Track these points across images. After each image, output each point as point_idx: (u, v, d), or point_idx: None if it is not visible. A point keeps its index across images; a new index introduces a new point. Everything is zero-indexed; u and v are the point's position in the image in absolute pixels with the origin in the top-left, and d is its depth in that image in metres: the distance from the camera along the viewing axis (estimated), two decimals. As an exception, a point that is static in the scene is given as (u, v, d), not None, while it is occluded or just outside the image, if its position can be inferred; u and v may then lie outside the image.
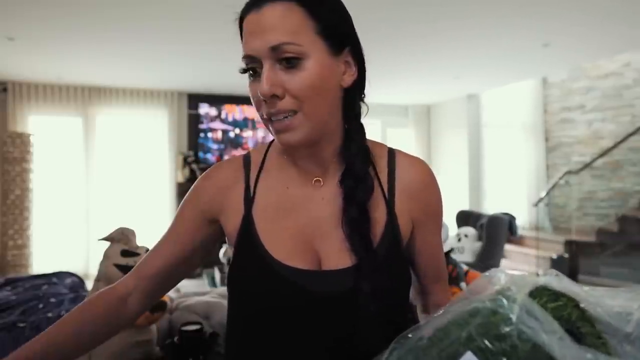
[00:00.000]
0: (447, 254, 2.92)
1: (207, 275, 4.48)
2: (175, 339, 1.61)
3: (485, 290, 0.53)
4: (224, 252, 3.88)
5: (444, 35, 4.11)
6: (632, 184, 5.83)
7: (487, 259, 4.38)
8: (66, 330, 0.74)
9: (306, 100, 0.66)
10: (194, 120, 6.37)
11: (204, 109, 6.33)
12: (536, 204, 6.06)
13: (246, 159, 0.81)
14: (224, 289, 2.35)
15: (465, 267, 2.69)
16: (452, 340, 0.50)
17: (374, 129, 7.36)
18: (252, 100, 0.70)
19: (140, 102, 6.14)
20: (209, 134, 6.36)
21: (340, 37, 0.70)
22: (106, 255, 1.99)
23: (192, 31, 3.87)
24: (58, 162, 5.83)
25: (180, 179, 6.14)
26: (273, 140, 0.82)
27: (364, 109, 0.78)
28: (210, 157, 6.34)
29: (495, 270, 0.53)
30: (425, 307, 0.86)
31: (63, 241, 5.80)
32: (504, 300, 0.48)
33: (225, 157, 6.30)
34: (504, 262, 5.55)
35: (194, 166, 6.20)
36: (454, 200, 6.85)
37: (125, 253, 1.97)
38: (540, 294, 0.51)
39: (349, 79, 0.72)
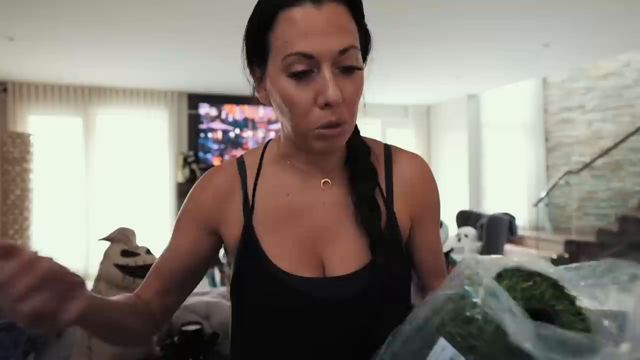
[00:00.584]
0: (447, 254, 2.93)
1: (207, 275, 4.48)
2: (175, 339, 1.61)
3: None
4: (224, 253, 3.87)
5: (444, 35, 4.11)
6: (632, 184, 5.83)
7: (487, 259, 4.37)
8: (119, 309, 0.70)
9: (353, 109, 0.65)
10: (194, 120, 6.37)
11: (204, 109, 6.33)
12: (536, 204, 6.06)
13: (241, 164, 0.77)
14: (224, 289, 2.35)
15: (465, 267, 2.70)
16: (429, 328, 0.50)
17: (374, 129, 7.36)
18: (290, 105, 0.63)
19: (140, 102, 6.14)
20: (209, 134, 6.36)
21: (366, 45, 0.71)
22: (106, 255, 1.99)
23: (192, 31, 3.87)
24: (58, 162, 5.83)
25: (180, 179, 6.14)
26: (267, 143, 0.80)
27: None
28: (210, 157, 6.34)
29: (469, 256, 0.53)
30: None
31: (63, 241, 5.79)
32: (471, 285, 0.49)
33: (226, 157, 6.31)
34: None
35: (194, 166, 6.20)
36: (454, 200, 6.85)
37: (125, 253, 1.97)
38: (510, 275, 0.51)
39: None
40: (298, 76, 0.62)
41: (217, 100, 6.36)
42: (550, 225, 6.49)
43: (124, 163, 6.11)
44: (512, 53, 4.65)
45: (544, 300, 0.48)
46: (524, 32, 4.02)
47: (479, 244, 4.51)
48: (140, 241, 2.08)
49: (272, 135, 6.32)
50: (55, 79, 5.53)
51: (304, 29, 0.61)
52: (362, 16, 0.69)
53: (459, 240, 4.58)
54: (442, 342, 0.48)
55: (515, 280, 0.50)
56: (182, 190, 5.91)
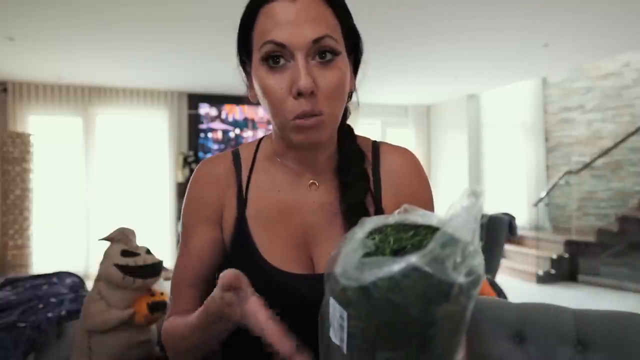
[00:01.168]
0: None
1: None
2: (175, 339, 1.60)
3: None
4: None
5: (444, 35, 4.11)
6: (632, 184, 5.83)
7: (487, 259, 4.35)
8: None
9: (333, 100, 0.64)
10: (194, 120, 6.37)
11: (204, 109, 6.33)
12: (536, 204, 6.06)
13: (236, 157, 0.78)
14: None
15: (465, 267, 2.69)
16: (327, 294, 0.51)
17: (374, 129, 7.36)
18: (267, 95, 0.64)
19: (140, 102, 6.14)
20: (209, 134, 6.36)
21: (353, 42, 0.70)
22: (106, 255, 1.99)
23: (192, 31, 3.87)
24: (58, 162, 5.83)
25: (180, 179, 6.15)
26: (261, 139, 0.80)
27: (350, 110, 0.79)
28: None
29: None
30: None
31: (63, 241, 5.80)
32: (344, 240, 0.50)
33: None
34: (504, 262, 5.55)
35: (194, 166, 6.20)
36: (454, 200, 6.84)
37: (126, 253, 1.97)
38: (391, 229, 0.51)
39: (352, 84, 0.72)
40: (274, 65, 0.63)
41: (217, 100, 6.36)
42: (550, 225, 6.50)
43: (124, 163, 6.11)
44: (512, 53, 4.65)
45: (420, 247, 0.47)
46: (524, 32, 4.02)
47: (479, 244, 4.50)
48: (140, 241, 2.08)
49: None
50: (55, 79, 5.53)
51: (279, 20, 0.62)
52: (346, 14, 0.68)
53: (459, 240, 4.57)
54: (331, 301, 0.49)
55: (394, 232, 0.50)
56: (182, 190, 5.91)
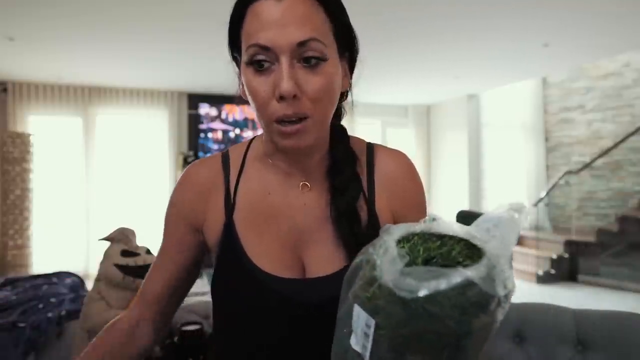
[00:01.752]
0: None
1: (207, 275, 4.48)
2: (175, 339, 1.61)
3: None
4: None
5: (444, 36, 4.11)
6: (632, 184, 5.83)
7: (487, 259, 4.38)
8: None
9: (320, 104, 0.63)
10: (194, 120, 6.37)
11: (204, 109, 6.33)
12: (536, 204, 6.06)
13: (225, 159, 0.76)
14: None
15: (465, 267, 2.69)
16: (349, 299, 0.51)
17: (374, 129, 7.36)
18: (253, 97, 0.63)
19: (140, 102, 6.14)
20: (209, 134, 6.36)
21: (347, 40, 0.69)
22: (106, 255, 1.99)
23: (192, 31, 3.87)
24: (58, 162, 5.83)
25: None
26: (252, 140, 0.79)
27: (345, 109, 0.78)
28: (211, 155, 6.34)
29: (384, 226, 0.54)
30: None
31: (63, 241, 5.80)
32: (374, 248, 0.50)
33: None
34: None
35: (194, 166, 6.20)
36: (454, 200, 6.85)
37: (125, 253, 1.97)
38: (417, 238, 0.51)
39: (346, 83, 0.70)
40: (259, 68, 0.62)
41: (217, 100, 6.35)
42: (550, 225, 6.50)
43: (124, 163, 6.11)
44: (512, 53, 4.65)
45: (450, 257, 0.48)
46: (524, 32, 4.02)
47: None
48: (140, 241, 2.08)
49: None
50: (55, 79, 5.53)
51: (264, 21, 0.61)
52: (339, 10, 0.66)
53: (459, 240, 4.58)
54: (356, 308, 0.48)
55: (421, 241, 0.50)
56: (182, 190, 5.91)
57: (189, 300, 2.02)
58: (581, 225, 6.05)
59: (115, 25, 3.74)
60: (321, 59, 0.62)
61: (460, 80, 5.87)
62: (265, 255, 0.69)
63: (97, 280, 1.98)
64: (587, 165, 5.93)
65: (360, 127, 6.96)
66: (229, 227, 0.71)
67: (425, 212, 0.78)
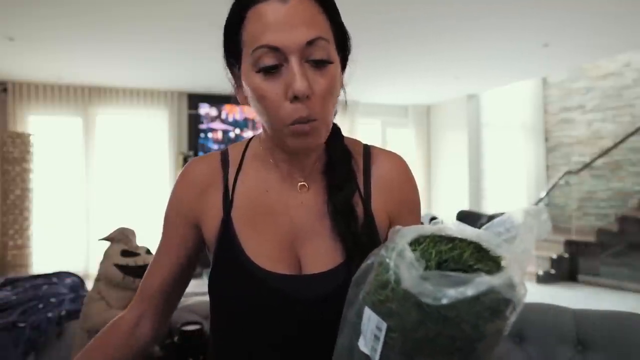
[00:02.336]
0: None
1: (207, 275, 4.49)
2: (175, 339, 1.61)
3: None
4: (207, 250, 3.87)
5: (444, 35, 4.11)
6: (632, 184, 5.83)
7: (487, 259, 4.38)
8: None
9: (326, 105, 0.64)
10: (194, 120, 6.37)
11: (204, 109, 6.33)
12: (536, 204, 6.06)
13: (224, 157, 0.77)
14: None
15: (465, 267, 2.69)
16: (359, 301, 0.51)
17: (374, 129, 7.36)
18: (261, 101, 0.63)
19: (140, 102, 6.14)
20: (209, 134, 6.36)
21: (342, 41, 0.69)
22: (106, 255, 1.99)
23: (192, 31, 3.87)
24: (58, 162, 5.83)
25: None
26: (251, 138, 0.80)
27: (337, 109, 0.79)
28: (211, 153, 6.34)
29: (394, 228, 0.53)
30: None
31: (63, 241, 5.80)
32: (386, 251, 0.49)
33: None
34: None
35: (194, 166, 6.20)
36: (454, 200, 6.85)
37: (125, 253, 1.97)
38: (428, 240, 0.51)
39: (340, 82, 0.71)
40: (267, 70, 0.61)
41: (217, 100, 6.35)
42: (550, 225, 6.49)
43: (124, 163, 6.11)
44: (512, 53, 4.65)
45: (462, 261, 0.48)
46: (524, 32, 4.02)
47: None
48: (140, 241, 2.08)
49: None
50: (55, 79, 5.53)
51: (270, 22, 0.60)
52: (336, 13, 0.67)
53: (459, 240, 4.58)
54: (367, 311, 0.48)
55: (432, 244, 0.50)
56: (182, 190, 5.91)
57: (189, 300, 2.02)
58: (581, 225, 6.05)
59: (115, 25, 3.74)
60: (328, 62, 0.63)
61: (460, 80, 5.87)
62: (263, 252, 0.69)
63: (97, 280, 1.98)
64: (587, 165, 5.93)
65: (360, 127, 6.96)
66: (226, 223, 0.72)
67: (420, 214, 0.79)
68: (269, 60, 0.61)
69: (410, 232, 0.52)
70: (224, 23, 0.69)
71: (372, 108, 7.10)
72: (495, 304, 0.43)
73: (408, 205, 0.77)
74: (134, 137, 6.19)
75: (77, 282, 2.71)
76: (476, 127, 7.05)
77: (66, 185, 5.85)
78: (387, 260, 0.48)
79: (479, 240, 0.50)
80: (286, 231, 0.71)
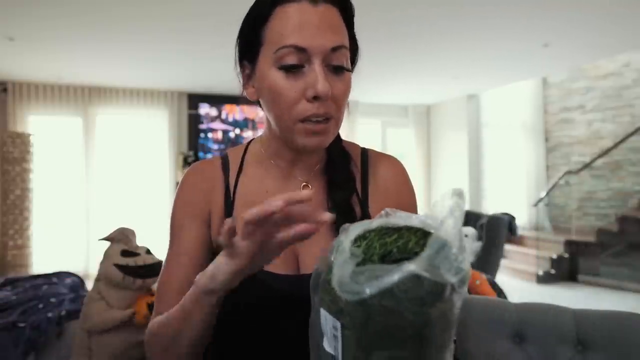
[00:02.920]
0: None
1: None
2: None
3: None
4: None
5: (444, 35, 4.11)
6: (632, 184, 5.83)
7: (487, 259, 4.37)
8: None
9: (340, 108, 0.66)
10: (194, 120, 6.37)
11: (204, 109, 6.33)
12: (536, 204, 6.06)
13: (224, 161, 0.78)
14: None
15: (465, 267, 2.69)
16: (317, 305, 0.51)
17: (374, 129, 7.36)
18: (278, 98, 0.64)
19: (140, 102, 6.14)
20: (209, 134, 6.36)
21: (354, 54, 0.72)
22: (106, 255, 1.99)
23: (192, 31, 3.87)
24: (58, 162, 5.83)
25: (180, 179, 6.15)
26: (250, 142, 0.81)
27: None
28: (210, 157, 6.35)
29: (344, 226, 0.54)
30: None
31: (63, 241, 5.80)
32: (331, 250, 0.50)
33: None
34: (504, 262, 5.55)
35: (194, 166, 6.20)
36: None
37: (125, 253, 1.97)
38: (373, 234, 0.51)
39: None
40: (289, 69, 0.63)
41: (217, 100, 6.36)
42: (550, 225, 6.50)
43: (124, 163, 6.11)
44: (512, 53, 4.65)
45: (407, 250, 0.49)
46: (524, 32, 4.02)
47: (479, 244, 4.50)
48: (140, 241, 2.08)
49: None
50: (55, 79, 5.53)
51: (299, 23, 0.62)
52: (352, 25, 0.71)
53: (459, 240, 4.57)
54: (322, 312, 0.49)
55: (377, 237, 0.51)
56: (182, 190, 5.91)
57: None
58: (581, 225, 6.05)
59: (115, 25, 3.74)
60: (346, 69, 0.66)
61: (460, 80, 5.87)
62: None
63: (97, 280, 1.98)
64: (587, 165, 5.93)
65: (360, 127, 6.96)
66: None
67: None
68: (292, 59, 0.63)
69: (355, 228, 0.52)
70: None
71: (372, 108, 7.11)
72: (432, 288, 0.44)
73: (405, 208, 0.77)
74: (134, 137, 6.19)
75: (77, 282, 2.71)
76: (476, 127, 7.05)
77: (66, 185, 5.85)
78: (332, 260, 0.49)
79: (424, 226, 0.50)
80: None
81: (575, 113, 6.49)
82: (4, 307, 2.14)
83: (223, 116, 6.40)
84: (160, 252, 1.57)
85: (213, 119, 6.37)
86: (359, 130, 6.91)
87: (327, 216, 0.51)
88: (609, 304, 4.51)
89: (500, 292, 2.59)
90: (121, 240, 1.99)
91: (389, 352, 0.46)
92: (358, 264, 0.47)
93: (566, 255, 5.67)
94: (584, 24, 3.81)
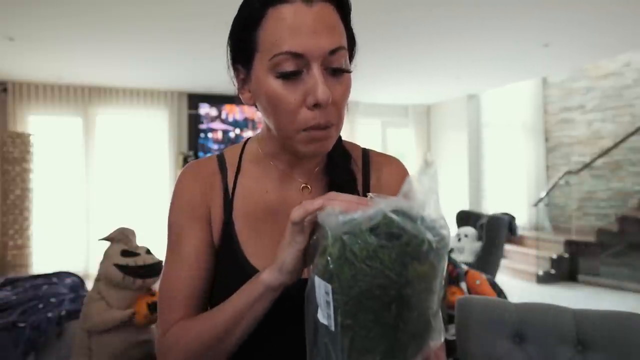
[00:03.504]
0: (448, 254, 2.92)
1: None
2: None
3: None
4: None
5: (444, 35, 4.11)
6: (632, 184, 5.83)
7: (487, 259, 4.37)
8: None
9: (340, 112, 0.64)
10: (194, 120, 6.37)
11: (204, 109, 6.33)
12: (536, 204, 6.06)
13: (221, 161, 0.76)
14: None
15: (465, 267, 2.69)
16: (312, 275, 0.55)
17: (374, 129, 7.36)
18: (277, 105, 0.62)
19: (140, 102, 6.14)
20: (209, 134, 6.36)
21: (351, 51, 0.70)
22: (106, 255, 1.99)
23: (192, 31, 3.87)
24: (58, 162, 5.83)
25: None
26: (246, 141, 0.79)
27: None
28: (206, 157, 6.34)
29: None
30: None
31: (63, 241, 5.80)
32: (322, 219, 0.54)
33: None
34: (504, 262, 5.55)
35: (194, 166, 6.20)
36: (453, 200, 6.85)
37: (125, 253, 1.97)
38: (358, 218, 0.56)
39: None
40: (286, 76, 0.60)
41: (217, 100, 6.36)
42: (550, 225, 6.50)
43: (124, 163, 6.11)
44: (512, 53, 4.65)
45: (394, 225, 0.52)
46: (524, 32, 4.02)
47: (479, 244, 4.50)
48: (141, 241, 2.08)
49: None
50: (55, 79, 5.53)
51: (294, 27, 0.59)
52: (349, 21, 0.68)
53: (459, 240, 4.57)
54: (316, 280, 0.52)
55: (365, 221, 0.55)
56: (182, 190, 5.91)
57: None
58: (581, 225, 6.05)
59: (115, 25, 3.74)
60: (346, 71, 0.63)
61: (461, 80, 5.87)
62: (263, 254, 0.69)
63: (97, 280, 1.98)
64: (587, 165, 5.93)
65: (361, 127, 6.97)
66: (227, 226, 0.72)
67: None
68: (289, 66, 0.60)
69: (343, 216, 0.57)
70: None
71: (372, 108, 7.10)
72: (412, 248, 0.49)
73: None
74: (134, 137, 6.19)
75: (77, 282, 2.71)
76: (476, 127, 7.05)
77: (66, 185, 5.85)
78: (327, 229, 0.52)
79: (407, 206, 0.54)
80: (285, 232, 0.71)
81: (575, 113, 6.49)
82: (4, 307, 2.14)
83: (223, 116, 6.40)
84: (160, 252, 1.57)
85: (213, 119, 6.37)
86: (359, 130, 6.91)
87: None
88: (609, 304, 4.51)
89: (500, 292, 2.59)
90: (121, 240, 1.99)
91: (374, 315, 0.49)
92: (345, 223, 0.52)
93: (566, 255, 5.66)
94: (584, 24, 3.81)
